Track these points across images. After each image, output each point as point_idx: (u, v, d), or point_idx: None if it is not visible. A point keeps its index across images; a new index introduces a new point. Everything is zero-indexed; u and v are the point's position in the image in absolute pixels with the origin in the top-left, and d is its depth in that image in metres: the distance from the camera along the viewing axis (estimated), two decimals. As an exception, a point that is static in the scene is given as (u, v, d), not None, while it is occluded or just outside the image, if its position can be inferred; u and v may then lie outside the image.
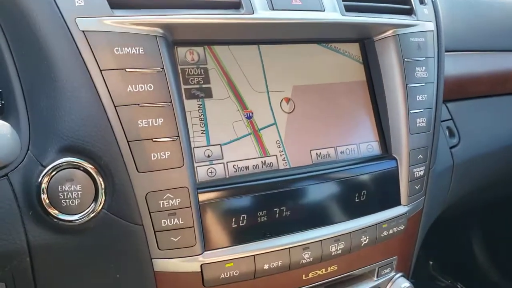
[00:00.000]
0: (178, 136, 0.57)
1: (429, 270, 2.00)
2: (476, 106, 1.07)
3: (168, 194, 0.56)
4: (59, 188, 0.53)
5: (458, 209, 1.38)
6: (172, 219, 0.57)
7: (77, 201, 0.54)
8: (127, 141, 0.55)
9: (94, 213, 0.55)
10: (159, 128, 0.56)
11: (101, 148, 0.54)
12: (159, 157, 0.56)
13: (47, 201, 0.53)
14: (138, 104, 0.55)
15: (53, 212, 0.53)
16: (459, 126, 0.99)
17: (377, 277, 0.77)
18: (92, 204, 0.54)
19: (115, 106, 0.54)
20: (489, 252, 1.87)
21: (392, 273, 0.79)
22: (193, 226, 0.58)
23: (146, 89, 0.56)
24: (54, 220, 0.53)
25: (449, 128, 0.98)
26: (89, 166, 0.54)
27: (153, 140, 0.55)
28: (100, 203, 0.55)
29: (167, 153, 0.56)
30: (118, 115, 0.54)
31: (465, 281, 1.92)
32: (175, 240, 0.57)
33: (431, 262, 2.01)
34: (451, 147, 0.95)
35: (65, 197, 0.54)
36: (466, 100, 1.05)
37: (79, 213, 0.54)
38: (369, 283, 0.76)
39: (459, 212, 1.53)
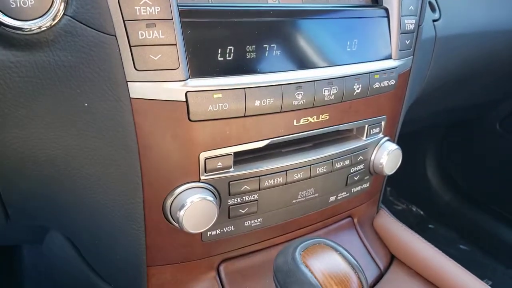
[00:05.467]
0: None
1: (386, 196, 2.06)
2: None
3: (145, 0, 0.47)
4: (7, -17, 0.42)
5: (426, 112, 1.38)
6: (151, 32, 0.48)
7: (31, 2, 0.44)
8: None
9: (54, 20, 0.44)
10: None
11: None
12: (132, -50, 0.46)
13: None
14: None
15: None
16: (440, 2, 0.95)
17: (366, 137, 0.73)
18: (51, 7, 0.44)
19: None
20: (442, 175, 1.94)
21: (380, 135, 0.75)
22: (176, 44, 0.49)
23: None
24: (1, 28, 0.43)
25: (430, 2, 0.94)
26: None
27: None
28: (62, 7, 0.44)
29: None
30: None
31: (419, 204, 2.01)
32: (155, 58, 0.49)
33: (388, 188, 2.08)
34: (433, 20, 0.91)
35: (15, -5, 0.43)
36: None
37: (34, 19, 0.44)
38: (358, 142, 0.72)
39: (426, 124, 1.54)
